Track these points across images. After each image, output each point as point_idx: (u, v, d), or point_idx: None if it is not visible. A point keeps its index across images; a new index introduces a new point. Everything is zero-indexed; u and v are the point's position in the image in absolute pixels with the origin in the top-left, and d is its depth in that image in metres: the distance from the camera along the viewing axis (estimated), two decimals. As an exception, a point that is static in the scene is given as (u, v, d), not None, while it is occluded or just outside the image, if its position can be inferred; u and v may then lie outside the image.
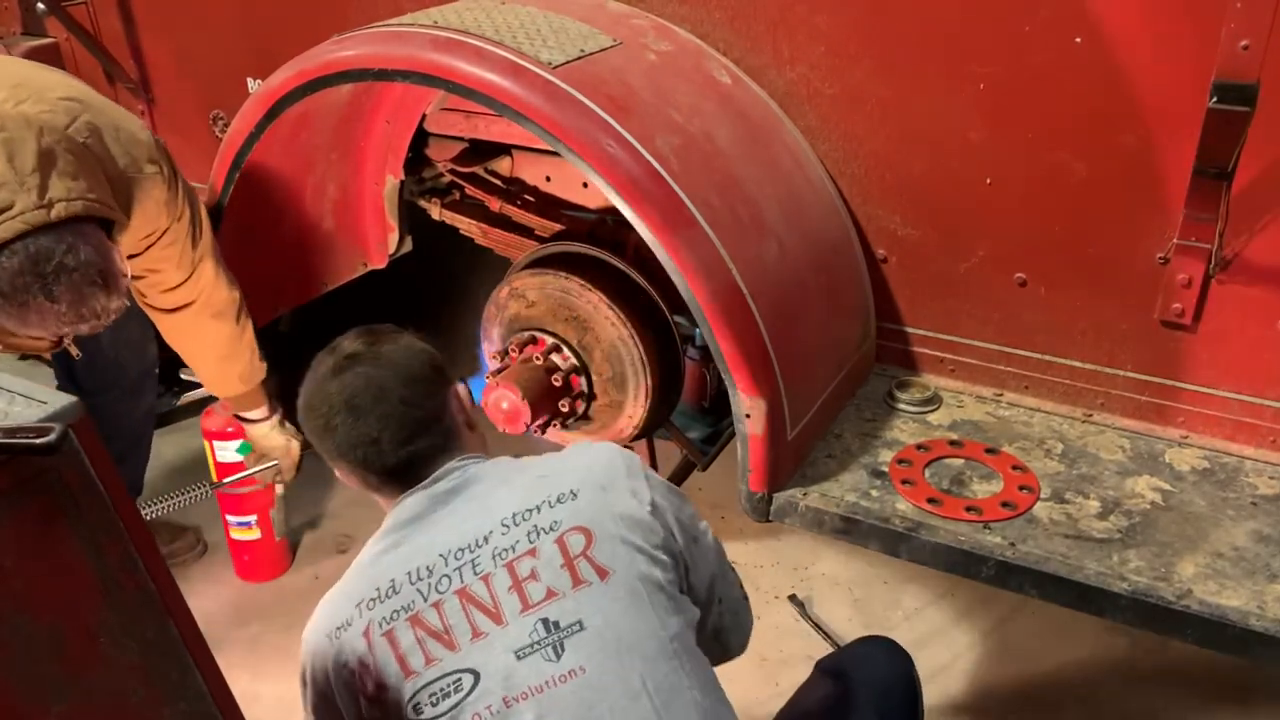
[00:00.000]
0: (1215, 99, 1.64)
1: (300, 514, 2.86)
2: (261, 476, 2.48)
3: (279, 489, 2.62)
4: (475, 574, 1.33)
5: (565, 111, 1.84)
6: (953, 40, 1.95)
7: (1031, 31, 1.88)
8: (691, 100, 2.03)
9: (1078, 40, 1.84)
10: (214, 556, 2.78)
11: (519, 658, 1.28)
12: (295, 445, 2.44)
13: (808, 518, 1.91)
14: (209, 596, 2.64)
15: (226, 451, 2.52)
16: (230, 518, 2.63)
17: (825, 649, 2.39)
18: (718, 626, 1.51)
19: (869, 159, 2.13)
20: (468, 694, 1.27)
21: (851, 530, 1.87)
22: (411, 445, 1.42)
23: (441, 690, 1.28)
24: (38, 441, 0.90)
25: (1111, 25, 1.81)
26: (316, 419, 1.45)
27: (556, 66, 1.90)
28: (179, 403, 2.61)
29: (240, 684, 2.37)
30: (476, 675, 1.28)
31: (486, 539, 1.35)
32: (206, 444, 2.55)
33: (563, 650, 1.27)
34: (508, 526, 1.35)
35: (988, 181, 2.02)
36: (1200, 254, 1.85)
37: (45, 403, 0.98)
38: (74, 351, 2.12)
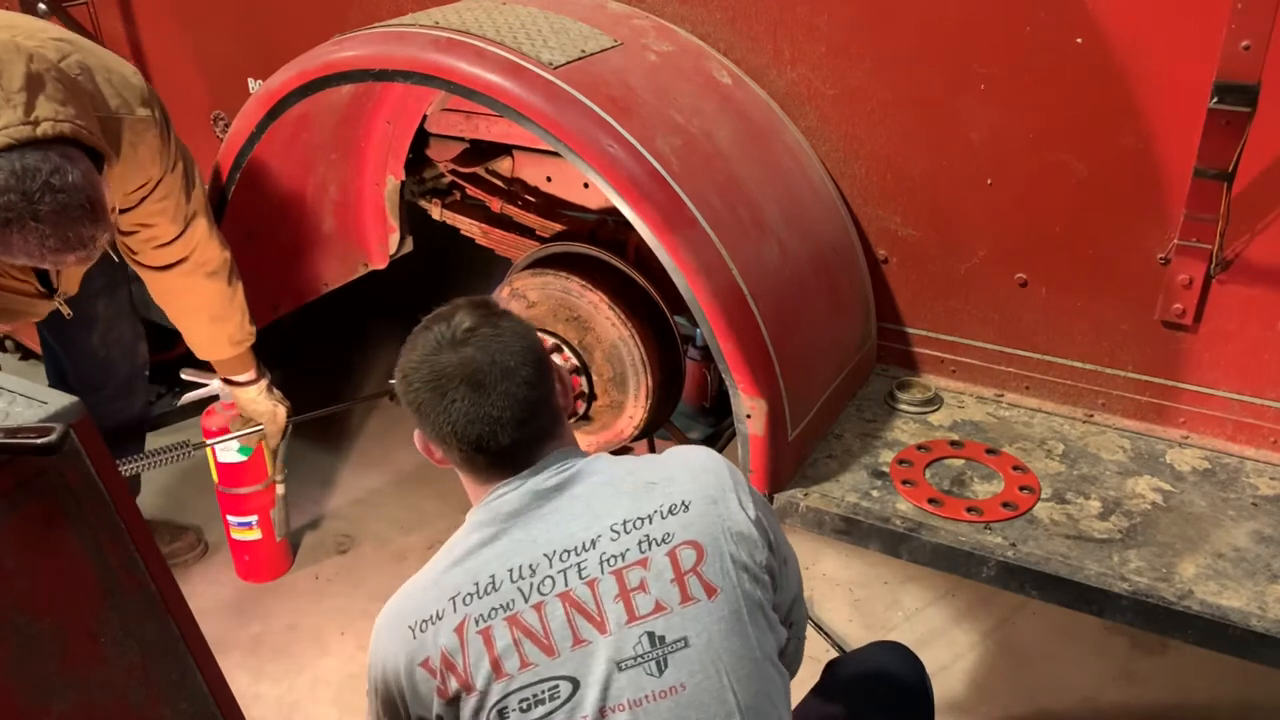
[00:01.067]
0: (1216, 99, 1.64)
1: (301, 514, 2.86)
2: (247, 440, 2.46)
3: (280, 489, 2.62)
4: (580, 578, 1.28)
5: (566, 112, 1.84)
6: (953, 41, 1.95)
7: (1032, 32, 1.88)
8: (692, 100, 2.03)
9: (1079, 41, 1.84)
10: (215, 557, 2.78)
11: (620, 668, 1.24)
12: (282, 411, 2.42)
13: (808, 518, 1.91)
14: (210, 597, 2.64)
15: (227, 452, 2.52)
16: (231, 518, 2.63)
17: (826, 649, 2.39)
18: (782, 649, 1.46)
19: (870, 159, 2.13)
20: (564, 701, 1.23)
21: (852, 530, 1.87)
22: (526, 427, 1.33)
23: (535, 696, 1.24)
24: (39, 442, 0.90)
25: (1112, 26, 1.81)
26: (428, 391, 1.33)
27: (557, 67, 1.90)
28: (179, 403, 2.60)
29: (241, 685, 2.37)
30: (576, 684, 1.24)
31: (594, 543, 1.30)
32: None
33: (666, 666, 1.25)
34: (618, 533, 1.30)
35: (988, 182, 2.02)
36: (1201, 254, 1.85)
37: (46, 403, 0.98)
38: (65, 311, 2.09)
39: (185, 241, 2.10)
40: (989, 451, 2.00)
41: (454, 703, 1.27)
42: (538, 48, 1.94)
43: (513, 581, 1.28)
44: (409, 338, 1.38)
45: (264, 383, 2.38)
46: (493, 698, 1.24)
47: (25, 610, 0.93)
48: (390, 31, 2.03)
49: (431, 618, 1.28)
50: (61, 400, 0.99)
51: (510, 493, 1.33)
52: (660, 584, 1.27)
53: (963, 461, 1.99)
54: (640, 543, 1.29)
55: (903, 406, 2.14)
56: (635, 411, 2.19)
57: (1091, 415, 2.10)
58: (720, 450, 2.46)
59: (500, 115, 1.91)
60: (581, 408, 2.22)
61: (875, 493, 1.91)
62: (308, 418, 2.58)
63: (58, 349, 2.51)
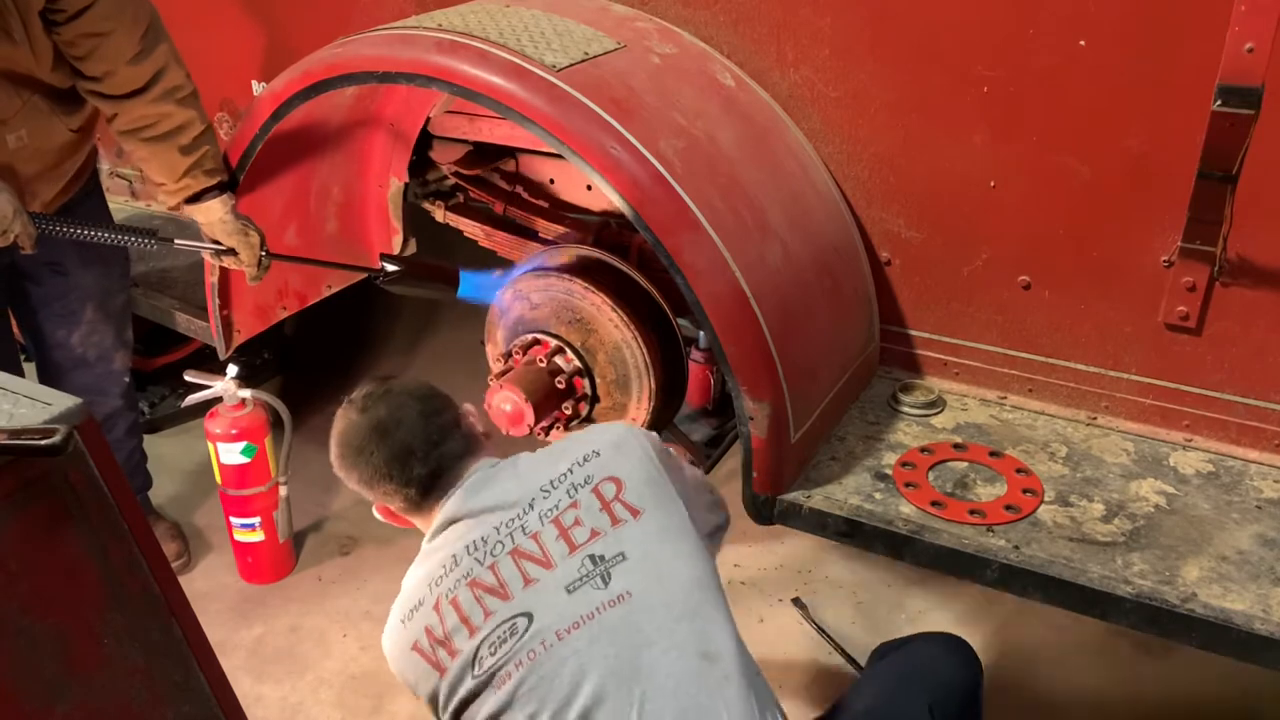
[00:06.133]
0: (1220, 102, 1.64)
1: (304, 516, 2.86)
2: (226, 260, 2.30)
3: (283, 491, 2.63)
4: (525, 534, 1.48)
5: (569, 114, 1.85)
6: (957, 43, 1.95)
7: (1035, 34, 1.88)
8: (695, 103, 2.03)
9: (1082, 43, 1.84)
10: (217, 558, 2.78)
11: (569, 592, 1.42)
12: (253, 230, 2.26)
13: (811, 520, 1.91)
14: (213, 599, 2.64)
15: (231, 453, 2.53)
16: (234, 520, 2.63)
17: (829, 652, 2.39)
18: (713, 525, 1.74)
19: (872, 162, 2.13)
20: (522, 635, 1.40)
21: (855, 533, 1.87)
22: (441, 446, 1.57)
23: (499, 637, 1.41)
24: (43, 443, 0.90)
25: (1115, 28, 1.81)
26: (351, 453, 1.60)
27: (560, 69, 1.90)
28: (182, 405, 2.61)
29: (243, 686, 2.37)
30: (530, 616, 1.41)
31: (531, 505, 1.50)
32: (211, 446, 2.55)
33: (610, 578, 1.42)
34: (547, 491, 1.51)
35: (991, 184, 2.02)
36: (1205, 257, 1.85)
37: (50, 404, 0.98)
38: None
39: (153, 60, 2.11)
40: (992, 454, 2.00)
41: (446, 674, 1.44)
42: (541, 50, 1.94)
43: (470, 554, 1.49)
44: (334, 426, 1.64)
45: (229, 200, 2.24)
46: (469, 653, 1.43)
47: (29, 611, 0.94)
48: (394, 34, 2.03)
49: (416, 606, 1.50)
50: (65, 401, 0.99)
51: (449, 500, 1.56)
52: (591, 515, 1.47)
53: (966, 464, 1.99)
54: (568, 491, 1.50)
55: (906, 409, 2.14)
56: (638, 414, 2.19)
57: (1095, 418, 2.10)
58: (723, 452, 2.47)
59: (503, 117, 1.91)
60: (584, 410, 2.22)
61: (878, 495, 1.91)
62: (285, 258, 2.38)
63: (30, 337, 2.52)
